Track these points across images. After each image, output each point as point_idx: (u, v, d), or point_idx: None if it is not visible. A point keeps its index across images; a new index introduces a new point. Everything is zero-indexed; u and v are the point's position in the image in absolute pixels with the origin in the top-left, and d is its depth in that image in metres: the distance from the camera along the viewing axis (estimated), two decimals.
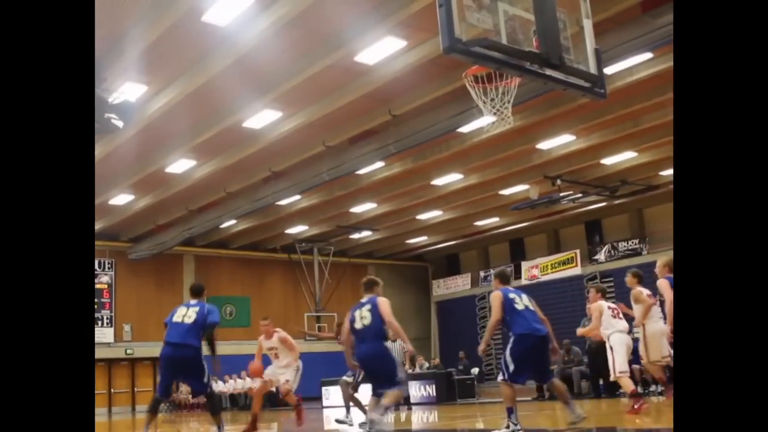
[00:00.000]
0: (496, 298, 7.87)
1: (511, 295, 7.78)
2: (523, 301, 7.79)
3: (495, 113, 8.74)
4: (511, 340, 7.70)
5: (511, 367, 7.59)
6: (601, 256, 27.34)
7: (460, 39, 5.01)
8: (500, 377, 7.81)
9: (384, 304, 7.74)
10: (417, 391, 19.12)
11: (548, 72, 5.60)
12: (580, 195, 22.98)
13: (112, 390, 26.84)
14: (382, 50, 13.50)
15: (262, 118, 16.41)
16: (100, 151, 17.40)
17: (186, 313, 8.39)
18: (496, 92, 8.67)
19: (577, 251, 27.24)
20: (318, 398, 22.31)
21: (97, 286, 26.35)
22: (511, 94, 8.78)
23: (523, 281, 28.00)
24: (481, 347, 8.83)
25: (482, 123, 16.09)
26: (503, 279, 8.24)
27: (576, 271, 26.86)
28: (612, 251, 26.62)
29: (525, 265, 28.87)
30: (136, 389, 27.33)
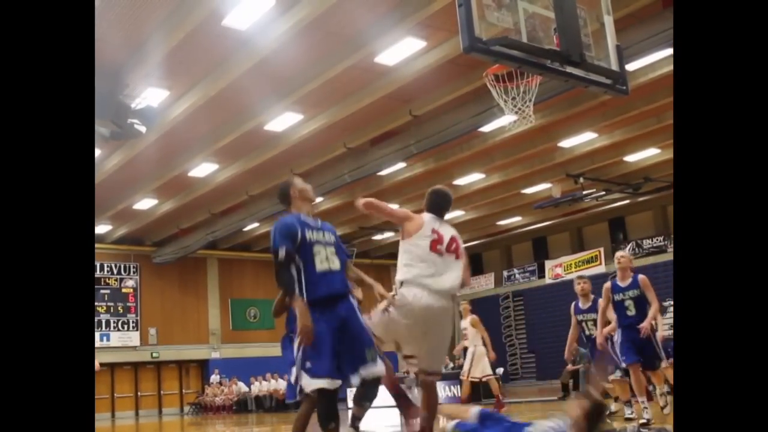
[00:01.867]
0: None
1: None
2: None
3: (516, 112, 8.72)
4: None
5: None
6: (624, 251, 27.12)
7: (480, 38, 5.01)
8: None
9: None
10: (442, 391, 19.08)
11: (569, 69, 5.58)
12: (603, 193, 22.84)
13: (139, 393, 27.01)
14: (401, 51, 13.50)
15: (284, 121, 16.46)
16: (123, 156, 17.55)
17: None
18: (517, 91, 8.65)
19: (601, 249, 27.05)
20: (342, 399, 22.32)
21: (123, 290, 26.57)
22: (532, 93, 8.75)
23: (547, 280, 27.91)
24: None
25: (503, 122, 16.05)
26: None
27: (600, 269, 26.63)
28: (636, 249, 26.39)
29: (548, 264, 28.73)
30: (162, 392, 27.49)
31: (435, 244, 5.62)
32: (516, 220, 28.47)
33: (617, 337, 8.69)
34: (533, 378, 27.98)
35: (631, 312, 8.31)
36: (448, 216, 6.17)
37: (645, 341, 8.19)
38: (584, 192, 22.28)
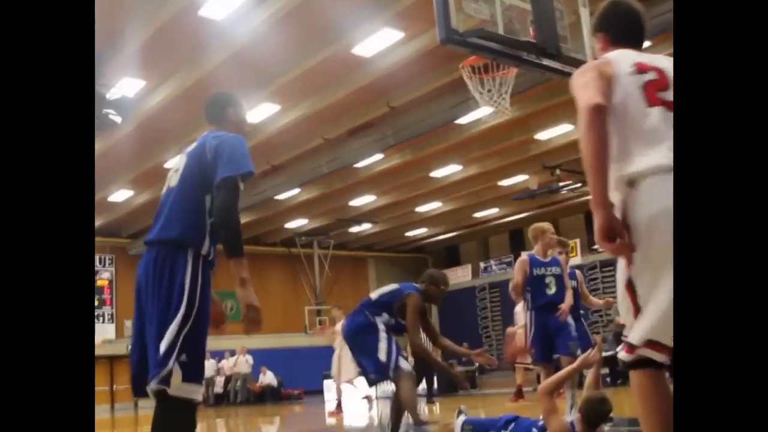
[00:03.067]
0: None
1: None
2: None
3: (492, 104, 8.73)
4: None
5: None
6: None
7: (457, 30, 5.02)
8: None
9: None
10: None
11: (545, 61, 5.61)
12: (579, 185, 22.95)
13: (114, 387, 26.82)
14: (379, 42, 13.49)
15: (261, 112, 16.39)
16: (98, 147, 17.37)
17: None
18: (493, 83, 8.66)
19: (578, 240, 27.18)
20: (320, 391, 22.37)
21: (98, 282, 26.35)
22: (508, 85, 8.77)
23: None
24: None
25: (481, 114, 16.12)
26: None
27: (576, 260, 26.79)
28: None
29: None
30: None
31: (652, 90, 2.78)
32: (493, 211, 28.55)
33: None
34: (509, 368, 28.10)
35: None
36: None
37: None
38: (561, 184, 22.40)
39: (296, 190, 22.08)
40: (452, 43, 5.06)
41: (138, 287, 3.65)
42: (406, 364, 6.14)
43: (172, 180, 3.82)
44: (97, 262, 26.46)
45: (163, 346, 3.32)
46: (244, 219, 24.85)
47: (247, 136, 3.96)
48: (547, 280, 7.68)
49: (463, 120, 17.13)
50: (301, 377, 25.30)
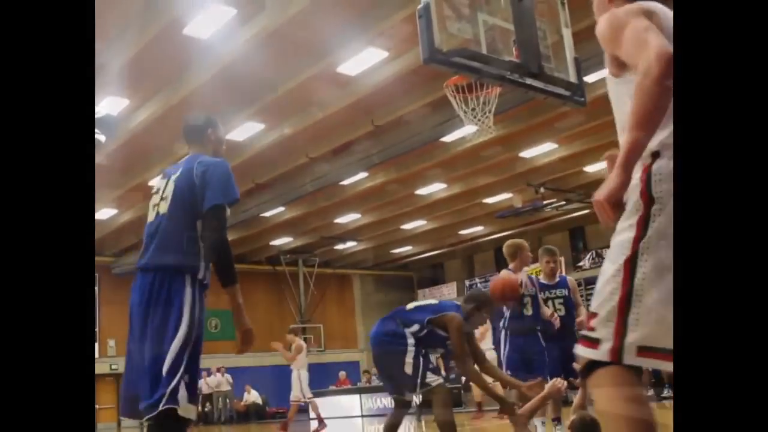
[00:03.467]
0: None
1: None
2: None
3: (476, 122, 8.75)
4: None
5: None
6: (585, 262, 27.43)
7: (440, 49, 5.04)
8: None
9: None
10: None
11: (528, 81, 5.63)
12: (563, 203, 23.07)
13: (97, 406, 26.57)
14: (364, 61, 13.51)
15: (245, 131, 16.40)
16: None
17: None
18: (477, 102, 8.69)
19: (562, 258, 27.16)
20: (306, 410, 22.20)
21: None
22: (492, 104, 8.79)
23: None
24: None
25: (465, 132, 16.14)
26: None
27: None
28: (596, 258, 26.65)
29: None
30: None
31: None
32: (478, 229, 28.58)
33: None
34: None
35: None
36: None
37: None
38: (545, 202, 22.47)
39: (281, 208, 22.06)
40: (436, 62, 5.07)
41: (131, 311, 3.73)
42: (438, 379, 5.86)
43: (161, 206, 3.87)
44: None
45: (166, 366, 3.43)
46: (229, 236, 24.83)
47: (224, 157, 4.08)
48: (525, 300, 7.47)
49: (447, 138, 17.17)
50: (286, 395, 25.01)
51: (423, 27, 5.03)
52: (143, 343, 3.58)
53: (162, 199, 3.86)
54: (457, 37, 5.26)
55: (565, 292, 8.06)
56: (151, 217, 3.93)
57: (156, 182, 4.04)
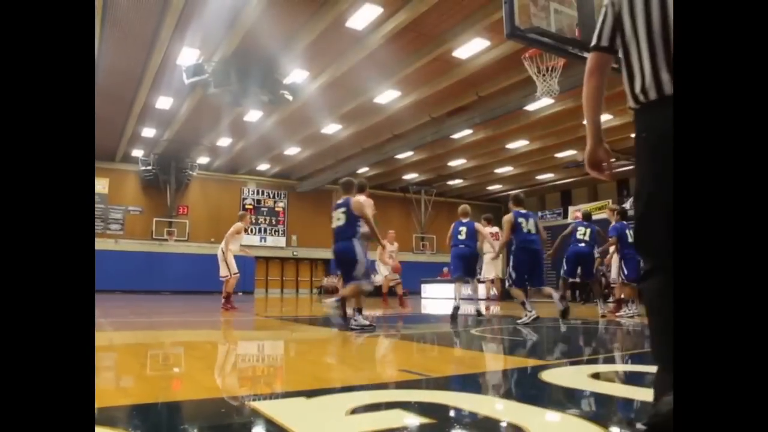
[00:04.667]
0: (507, 220, 7.16)
1: (520, 219, 7.22)
2: (528, 225, 7.20)
3: (545, 85, 8.25)
4: (512, 252, 7.28)
5: (513, 275, 7.20)
6: (627, 205, 25.98)
7: (519, 27, 4.66)
8: (507, 284, 7.39)
9: (356, 203, 5.96)
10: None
11: (586, 54, 5.15)
12: (614, 159, 21.74)
13: (283, 278, 27.79)
14: (472, 48, 12.99)
15: (387, 96, 16.19)
16: (277, 117, 17.69)
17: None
18: (547, 71, 8.16)
19: (609, 200, 25.90)
20: (418, 292, 22.44)
21: (276, 209, 27.11)
22: (557, 72, 8.23)
23: (569, 220, 26.99)
24: (494, 256, 8.73)
25: (543, 104, 15.47)
26: (516, 202, 7.33)
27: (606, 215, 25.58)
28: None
29: (571, 209, 27.72)
30: (299, 278, 28.18)
31: None
32: (549, 176, 27.53)
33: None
34: (554, 286, 27.42)
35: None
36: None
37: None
38: None
39: (410, 153, 21.90)
40: (515, 37, 4.72)
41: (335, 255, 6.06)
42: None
43: (340, 220, 6.01)
44: (275, 196, 27.18)
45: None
46: (374, 171, 25.04)
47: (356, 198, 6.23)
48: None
49: (529, 107, 16.49)
50: (406, 282, 25.51)
51: (507, 11, 4.67)
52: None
53: (337, 219, 6.04)
54: (533, 18, 4.85)
55: None
56: (335, 224, 6.05)
57: (336, 214, 6.11)
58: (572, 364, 3.57)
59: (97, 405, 2.14)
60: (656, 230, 1.62)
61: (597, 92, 1.98)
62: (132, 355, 4.10)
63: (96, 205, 23.22)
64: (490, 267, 12.62)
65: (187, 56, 13.50)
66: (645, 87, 1.69)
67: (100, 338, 4.97)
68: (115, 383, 2.89)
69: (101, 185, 23.51)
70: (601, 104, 2.00)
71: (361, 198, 6.20)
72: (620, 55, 1.85)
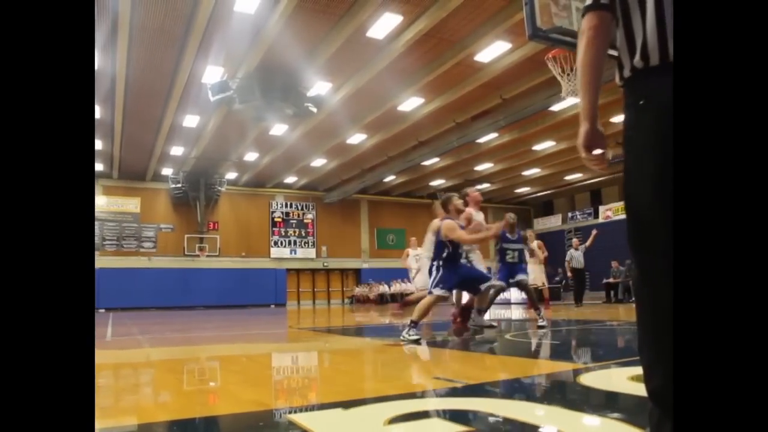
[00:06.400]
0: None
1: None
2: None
3: (568, 83, 8.16)
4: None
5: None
6: None
7: (541, 28, 4.62)
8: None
9: (443, 230, 5.85)
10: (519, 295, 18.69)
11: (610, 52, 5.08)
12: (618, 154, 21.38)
13: (315, 289, 27.88)
14: (494, 51, 12.90)
15: (410, 104, 16.19)
16: (302, 129, 17.82)
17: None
18: (570, 70, 8.08)
19: None
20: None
21: (305, 221, 27.24)
22: None
23: (600, 220, 26.62)
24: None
25: (568, 103, 15.29)
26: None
27: None
28: None
29: (601, 209, 27.38)
30: (330, 289, 28.25)
31: None
32: (578, 176, 27.18)
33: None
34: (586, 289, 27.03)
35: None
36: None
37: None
38: None
39: (436, 159, 21.83)
40: (537, 38, 4.68)
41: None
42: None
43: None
44: (303, 208, 27.32)
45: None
46: (400, 179, 25.03)
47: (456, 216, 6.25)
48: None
49: (555, 108, 16.28)
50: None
51: (528, 12, 4.63)
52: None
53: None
54: (554, 18, 4.80)
55: None
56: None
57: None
58: (614, 366, 3.51)
59: (137, 421, 2.17)
60: (644, 204, 1.44)
61: (597, 61, 1.70)
62: (170, 371, 4.15)
63: (129, 225, 23.68)
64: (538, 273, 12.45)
65: (212, 74, 13.73)
66: (648, 51, 1.44)
67: (139, 355, 5.04)
68: (154, 399, 2.93)
69: (133, 204, 23.95)
70: (602, 76, 1.72)
71: (440, 221, 5.97)
72: (618, 14, 1.58)
